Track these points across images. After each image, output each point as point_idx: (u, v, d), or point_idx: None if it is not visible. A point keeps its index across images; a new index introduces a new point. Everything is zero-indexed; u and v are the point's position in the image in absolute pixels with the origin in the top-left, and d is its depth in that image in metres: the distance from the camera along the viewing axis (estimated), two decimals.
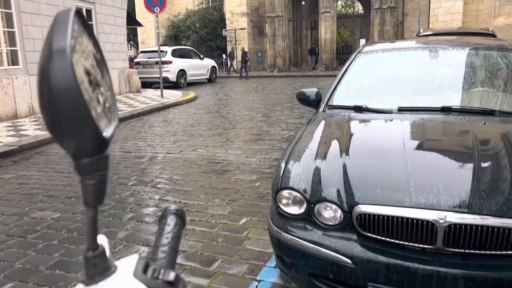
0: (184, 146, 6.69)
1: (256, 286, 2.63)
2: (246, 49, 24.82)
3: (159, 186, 4.71)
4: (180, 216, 0.63)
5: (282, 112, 9.92)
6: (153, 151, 6.40)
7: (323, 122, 2.92)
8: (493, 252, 1.79)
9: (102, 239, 0.46)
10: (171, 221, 0.62)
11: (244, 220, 3.65)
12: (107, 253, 0.46)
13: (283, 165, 2.36)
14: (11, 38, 9.45)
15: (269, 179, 4.67)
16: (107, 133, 0.44)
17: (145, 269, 0.48)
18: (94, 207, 0.44)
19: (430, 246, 1.86)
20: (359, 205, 1.97)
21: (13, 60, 9.56)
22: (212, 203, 4.07)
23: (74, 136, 0.41)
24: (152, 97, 13.13)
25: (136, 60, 18.45)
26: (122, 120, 9.31)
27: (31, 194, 4.55)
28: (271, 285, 2.64)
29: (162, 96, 12.93)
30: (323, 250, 2.01)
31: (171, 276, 0.49)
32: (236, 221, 3.63)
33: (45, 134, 7.46)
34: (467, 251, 1.81)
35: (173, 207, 0.63)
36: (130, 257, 0.50)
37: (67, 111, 0.39)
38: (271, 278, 2.72)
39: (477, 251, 1.80)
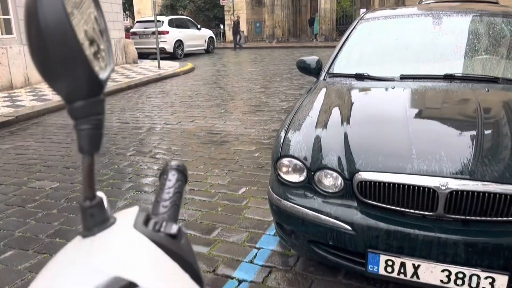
0: (182, 117, 6.64)
1: (256, 254, 2.65)
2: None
3: (157, 156, 4.69)
4: (182, 171, 0.61)
5: (281, 83, 9.81)
6: (151, 122, 6.35)
7: (323, 90, 2.87)
8: (494, 218, 1.79)
9: (100, 195, 0.44)
10: (172, 176, 0.60)
11: (243, 189, 3.65)
12: (105, 205, 0.43)
13: (283, 134, 2.33)
14: (4, 7, 9.22)
15: (268, 150, 4.66)
16: (102, 75, 0.40)
17: (146, 222, 0.45)
18: (90, 154, 0.41)
19: (431, 213, 1.85)
20: (360, 172, 1.96)
21: (7, 30, 9.36)
22: (211, 173, 4.06)
23: (66, 76, 0.37)
24: (149, 68, 12.96)
25: (132, 30, 18.11)
26: (119, 91, 9.22)
27: (29, 164, 4.53)
28: (271, 252, 2.66)
29: (159, 67, 12.76)
30: (323, 217, 2.01)
31: (174, 229, 0.46)
32: (235, 190, 3.63)
33: (41, 104, 7.39)
34: (468, 217, 1.81)
35: (174, 162, 0.61)
36: (130, 209, 0.48)
37: (57, 47, 0.36)
38: (270, 245, 2.74)
39: (478, 218, 1.80)
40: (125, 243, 0.41)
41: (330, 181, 2.07)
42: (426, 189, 1.84)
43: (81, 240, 0.41)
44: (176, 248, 0.45)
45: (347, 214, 1.97)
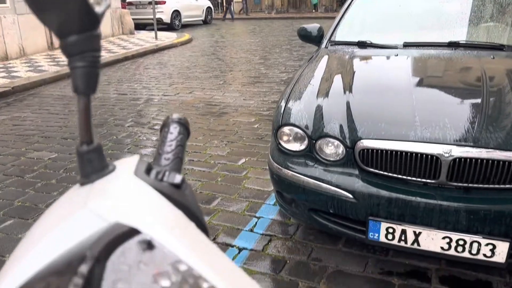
0: (180, 88, 6.55)
1: (256, 223, 2.66)
2: None
3: (156, 127, 4.65)
4: (184, 124, 0.57)
5: (281, 55, 9.67)
6: (149, 93, 6.27)
7: (325, 58, 2.81)
8: (496, 186, 1.77)
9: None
10: (174, 129, 0.56)
11: (242, 160, 3.63)
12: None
13: (283, 103, 2.29)
14: None
15: (267, 121, 4.62)
16: (98, 9, 0.36)
17: (147, 171, 0.43)
18: (85, 95, 0.38)
19: (433, 181, 1.84)
20: (362, 140, 1.93)
21: None
22: (211, 144, 4.03)
23: (57, 4, 0.33)
24: (146, 39, 12.72)
25: (128, 0, 17.70)
26: (116, 62, 9.07)
27: (27, 135, 4.49)
28: (270, 221, 2.66)
29: (156, 38, 12.52)
30: (324, 185, 1.99)
31: (177, 178, 0.43)
32: (235, 161, 3.62)
33: (37, 75, 7.28)
34: (470, 185, 1.80)
35: (175, 115, 0.57)
36: (130, 157, 0.45)
37: None
38: (270, 215, 2.74)
39: (480, 185, 1.79)
40: (125, 190, 0.38)
41: (332, 149, 2.05)
42: (429, 156, 1.81)
43: (79, 188, 0.38)
44: (180, 198, 0.42)
45: (348, 182, 1.95)
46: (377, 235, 1.89)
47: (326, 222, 2.10)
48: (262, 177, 3.27)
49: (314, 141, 2.07)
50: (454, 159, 1.78)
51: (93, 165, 0.39)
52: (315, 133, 2.07)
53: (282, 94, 2.45)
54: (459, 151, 1.78)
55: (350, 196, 1.92)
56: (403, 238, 1.85)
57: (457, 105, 2.11)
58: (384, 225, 1.87)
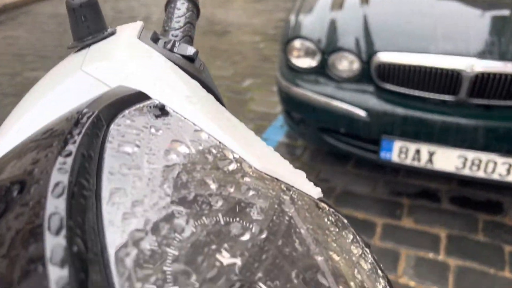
0: None
1: None
2: None
3: None
4: (192, 0, 0.47)
5: None
6: (147, 11, 5.96)
7: None
8: None
9: None
10: (181, 5, 0.46)
11: (247, 82, 3.51)
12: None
13: (293, 16, 2.12)
14: None
15: (273, 41, 4.41)
16: None
17: (154, 40, 0.34)
18: None
19: (452, 98, 1.73)
20: (379, 53, 1.79)
21: None
22: (214, 65, 3.87)
23: None
24: None
25: None
26: None
27: (22, 54, 4.31)
28: (277, 143, 2.61)
29: None
30: (336, 103, 1.89)
31: (190, 50, 0.34)
32: (239, 82, 3.49)
33: None
34: (491, 102, 1.70)
35: None
36: (132, 23, 0.36)
37: None
38: (277, 136, 2.68)
39: (502, 102, 1.69)
40: (129, 52, 0.30)
41: (345, 65, 1.92)
42: (450, 71, 1.69)
43: (74, 54, 0.31)
44: (195, 71, 0.33)
45: (362, 99, 1.85)
46: (389, 154, 1.83)
47: (336, 142, 2.04)
48: (268, 99, 3.17)
49: (326, 56, 1.93)
50: (477, 74, 1.66)
51: (88, 24, 0.31)
52: (328, 47, 1.92)
53: (292, 8, 2.26)
54: (482, 65, 1.66)
55: (364, 114, 1.83)
56: (416, 157, 1.79)
57: (482, 16, 1.94)
58: (397, 144, 1.80)
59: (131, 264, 0.17)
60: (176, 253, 0.18)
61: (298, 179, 0.28)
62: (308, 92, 1.98)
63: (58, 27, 5.27)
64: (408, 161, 1.82)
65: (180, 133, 0.24)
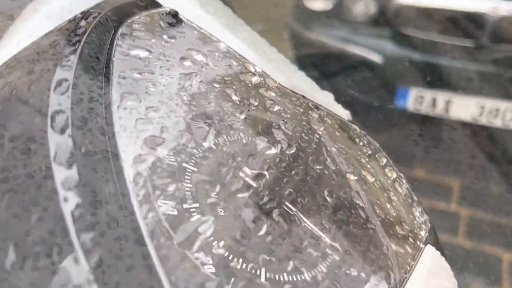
0: None
1: None
2: None
3: None
4: None
5: None
6: None
7: None
8: None
9: None
10: None
11: (257, 28, 3.40)
12: None
13: None
14: None
15: None
16: None
17: None
18: None
19: (473, 43, 1.66)
20: None
21: None
22: None
23: None
24: None
25: None
26: None
27: None
28: None
29: None
30: (350, 48, 1.83)
31: None
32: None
33: None
34: None
35: None
36: None
37: None
38: None
39: None
40: None
41: (361, 7, 1.83)
42: (472, 14, 1.61)
43: None
44: None
45: (378, 44, 1.78)
46: (404, 102, 1.79)
47: (348, 89, 1.99)
48: (278, 46, 3.08)
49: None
50: (501, 18, 1.58)
51: None
52: None
53: None
54: (507, 8, 1.57)
55: (379, 59, 1.77)
56: (432, 105, 1.75)
57: None
58: (413, 92, 1.75)
59: (147, 171, 0.15)
60: (198, 162, 0.16)
61: (326, 99, 0.26)
62: (322, 36, 1.91)
63: None
64: (424, 109, 1.78)
65: (196, 42, 0.22)
